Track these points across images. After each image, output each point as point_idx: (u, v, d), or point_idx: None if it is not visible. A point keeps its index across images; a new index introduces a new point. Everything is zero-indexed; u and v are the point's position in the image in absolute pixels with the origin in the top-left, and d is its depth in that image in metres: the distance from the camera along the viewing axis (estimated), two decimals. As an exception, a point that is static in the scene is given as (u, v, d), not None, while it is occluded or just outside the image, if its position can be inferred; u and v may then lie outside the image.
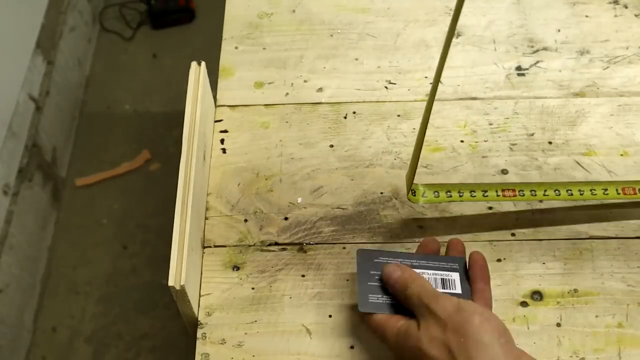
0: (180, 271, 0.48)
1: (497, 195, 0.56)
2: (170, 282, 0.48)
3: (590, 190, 0.57)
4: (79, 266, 1.28)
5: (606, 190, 0.57)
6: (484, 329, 0.43)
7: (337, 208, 0.59)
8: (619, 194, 0.57)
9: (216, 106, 0.65)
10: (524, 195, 0.57)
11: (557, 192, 0.57)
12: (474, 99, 0.66)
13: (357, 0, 0.74)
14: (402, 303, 0.48)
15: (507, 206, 0.59)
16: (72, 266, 1.28)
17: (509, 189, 0.57)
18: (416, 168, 0.53)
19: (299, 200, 0.60)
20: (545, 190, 0.57)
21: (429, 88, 0.67)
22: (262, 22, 0.72)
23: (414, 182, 0.54)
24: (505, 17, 0.72)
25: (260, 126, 0.64)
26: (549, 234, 0.57)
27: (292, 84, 0.67)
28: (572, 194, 0.57)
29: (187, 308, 0.51)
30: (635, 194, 0.57)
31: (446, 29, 0.71)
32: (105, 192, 1.37)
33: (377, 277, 0.50)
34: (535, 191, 0.57)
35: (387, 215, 0.58)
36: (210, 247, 0.57)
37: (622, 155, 0.62)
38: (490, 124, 0.64)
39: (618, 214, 0.58)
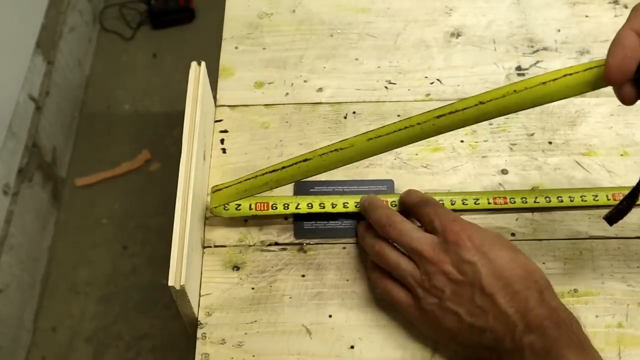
0: (180, 271, 0.48)
1: (489, 203, 0.57)
2: (170, 282, 0.48)
3: (581, 196, 0.58)
4: (79, 266, 1.28)
5: (596, 196, 0.58)
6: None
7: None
8: (609, 199, 0.58)
9: (216, 106, 0.65)
10: (514, 202, 0.57)
11: (547, 199, 0.58)
12: (474, 99, 0.66)
13: (357, 0, 0.74)
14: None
15: (509, 210, 0.59)
16: (72, 266, 1.28)
17: (500, 197, 0.58)
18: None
19: (299, 200, 0.59)
20: (536, 198, 0.57)
21: (429, 88, 0.67)
22: (262, 22, 0.72)
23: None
24: (505, 17, 0.72)
25: (260, 126, 0.64)
26: (549, 234, 0.57)
27: (292, 84, 0.67)
28: (562, 201, 0.57)
29: (187, 308, 0.51)
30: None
31: (446, 29, 0.71)
32: (105, 192, 1.37)
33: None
34: (526, 198, 0.57)
35: (387, 215, 0.58)
36: (210, 247, 0.57)
37: (622, 155, 0.62)
38: (490, 124, 0.64)
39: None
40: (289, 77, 0.68)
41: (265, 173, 0.53)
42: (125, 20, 1.60)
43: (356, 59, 0.69)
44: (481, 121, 0.46)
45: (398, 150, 0.62)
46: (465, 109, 0.45)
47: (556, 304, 0.46)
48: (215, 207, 0.56)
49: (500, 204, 0.58)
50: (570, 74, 0.43)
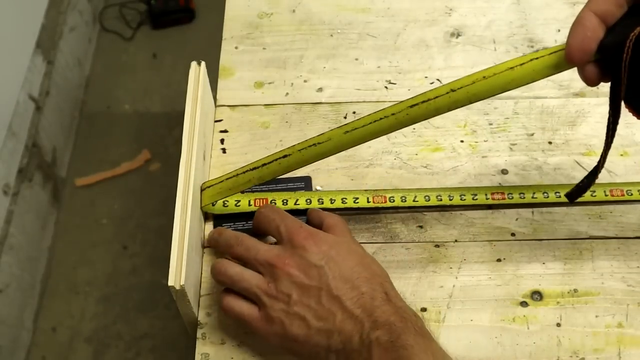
0: (180, 271, 0.48)
1: (487, 199, 0.58)
2: (170, 282, 0.48)
3: None
4: (79, 266, 1.28)
5: (594, 192, 0.58)
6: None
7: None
8: (606, 195, 0.58)
9: (216, 106, 0.65)
10: (512, 198, 0.58)
11: (545, 194, 0.58)
12: (474, 99, 0.66)
13: (357, 0, 0.74)
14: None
15: (507, 206, 0.59)
16: (72, 266, 1.28)
17: (498, 192, 0.58)
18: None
19: (299, 200, 0.59)
20: (534, 193, 0.58)
21: (428, 88, 0.66)
22: (262, 22, 0.72)
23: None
24: (505, 17, 0.72)
25: (260, 126, 0.64)
26: (549, 234, 0.57)
27: (292, 84, 0.67)
28: (560, 196, 0.58)
29: (187, 308, 0.51)
30: (622, 195, 0.58)
31: (446, 29, 0.71)
32: (105, 192, 1.37)
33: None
34: (524, 194, 0.58)
35: (387, 215, 0.58)
36: (210, 247, 0.57)
37: (622, 155, 0.62)
38: (490, 124, 0.64)
39: (618, 213, 0.58)
40: (289, 77, 0.68)
41: (247, 171, 0.54)
42: (125, 20, 1.60)
43: (356, 59, 0.69)
44: (453, 109, 0.47)
45: (398, 150, 0.62)
46: (437, 97, 0.46)
47: (401, 303, 0.47)
48: (205, 205, 0.57)
49: (499, 199, 0.58)
50: (537, 58, 0.44)
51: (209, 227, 0.58)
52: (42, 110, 1.27)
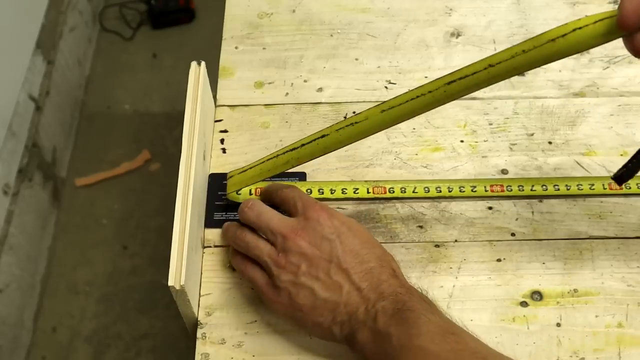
0: (180, 271, 0.48)
1: (486, 191, 0.58)
2: (170, 282, 0.48)
3: (577, 185, 0.58)
4: (79, 266, 1.28)
5: (592, 185, 0.58)
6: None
7: (337, 208, 0.59)
8: (605, 188, 0.58)
9: (216, 106, 0.65)
10: (511, 190, 0.58)
11: (544, 187, 0.58)
12: (474, 98, 0.66)
13: (357, 0, 0.74)
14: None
15: (507, 206, 0.59)
16: (72, 266, 1.28)
17: (497, 184, 0.58)
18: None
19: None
20: (532, 186, 0.58)
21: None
22: (262, 22, 0.72)
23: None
24: (505, 17, 0.72)
25: (260, 126, 0.64)
26: (549, 234, 0.57)
27: (292, 84, 0.67)
28: (558, 189, 0.58)
29: (187, 308, 0.51)
30: (621, 189, 0.58)
31: (446, 29, 0.71)
32: (105, 192, 1.37)
33: (224, 197, 0.58)
34: (522, 186, 0.58)
35: (387, 215, 0.58)
36: (210, 247, 0.57)
37: (622, 155, 0.62)
38: (490, 124, 0.64)
39: (618, 213, 0.58)
40: (289, 77, 0.68)
41: (287, 152, 0.54)
42: (125, 20, 1.60)
43: (356, 59, 0.69)
44: (492, 84, 0.45)
45: (398, 150, 0.62)
46: (475, 73, 0.45)
47: (404, 279, 0.48)
48: (230, 193, 0.57)
49: (497, 191, 0.58)
50: (580, 28, 0.41)
51: (208, 229, 0.58)
52: (42, 110, 1.27)
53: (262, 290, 0.50)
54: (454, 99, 0.47)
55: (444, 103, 0.47)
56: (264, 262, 0.50)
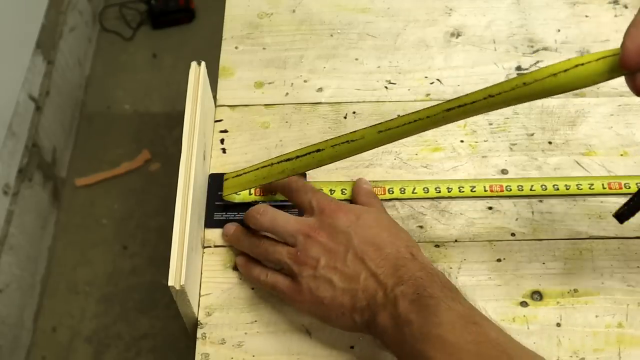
0: (180, 271, 0.48)
1: (485, 191, 0.58)
2: (170, 282, 0.48)
3: (577, 185, 0.59)
4: (79, 266, 1.28)
5: (592, 185, 0.58)
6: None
7: (337, 208, 0.59)
8: (604, 188, 0.58)
9: (216, 106, 0.65)
10: (510, 190, 0.58)
11: (543, 186, 0.58)
12: (474, 99, 0.66)
13: (357, 0, 0.74)
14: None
15: (507, 206, 0.59)
16: (72, 266, 1.28)
17: (497, 184, 0.59)
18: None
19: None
20: (532, 186, 0.58)
21: (429, 88, 0.67)
22: (262, 22, 0.72)
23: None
24: (505, 17, 0.72)
25: (260, 126, 0.64)
26: (549, 234, 0.57)
27: (292, 84, 0.67)
28: (558, 189, 0.58)
29: (187, 308, 0.51)
30: (621, 188, 0.58)
31: (446, 29, 0.71)
32: (105, 192, 1.37)
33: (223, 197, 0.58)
34: (522, 186, 0.58)
35: (387, 215, 0.58)
36: (210, 247, 0.57)
37: (622, 155, 0.62)
38: (490, 124, 0.64)
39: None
40: (289, 77, 0.68)
41: (281, 161, 0.54)
42: (125, 20, 1.60)
43: (356, 59, 0.69)
44: (491, 111, 0.46)
45: (398, 150, 0.62)
46: (474, 102, 0.45)
47: (426, 261, 0.48)
48: (227, 195, 0.57)
49: (497, 191, 0.58)
50: (582, 64, 0.41)
51: (208, 229, 0.58)
52: (42, 110, 1.27)
53: (286, 293, 0.51)
54: (451, 122, 0.48)
55: (441, 126, 0.48)
56: (285, 263, 0.50)
